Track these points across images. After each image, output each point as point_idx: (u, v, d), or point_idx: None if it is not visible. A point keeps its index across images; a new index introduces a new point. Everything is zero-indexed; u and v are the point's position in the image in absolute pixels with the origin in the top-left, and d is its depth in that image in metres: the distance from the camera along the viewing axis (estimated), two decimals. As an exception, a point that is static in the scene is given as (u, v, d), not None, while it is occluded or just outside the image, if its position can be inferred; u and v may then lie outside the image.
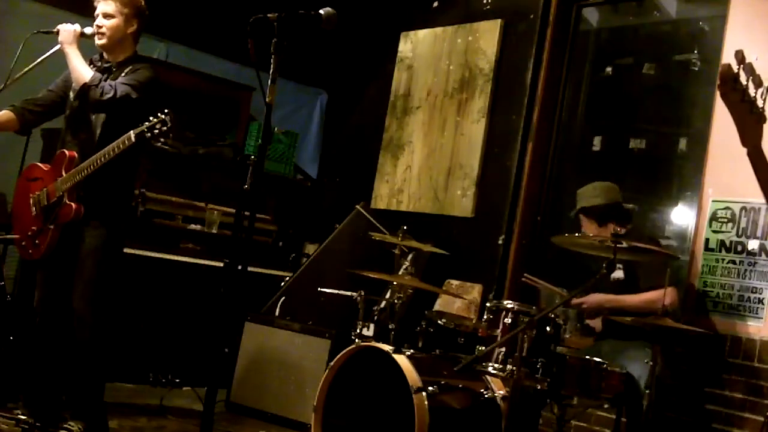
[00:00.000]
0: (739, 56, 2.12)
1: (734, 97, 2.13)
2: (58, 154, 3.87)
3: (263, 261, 5.37)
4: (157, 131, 3.59)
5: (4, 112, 3.91)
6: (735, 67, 2.11)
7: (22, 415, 3.80)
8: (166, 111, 3.63)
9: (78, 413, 3.78)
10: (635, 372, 3.45)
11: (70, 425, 3.73)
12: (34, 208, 3.87)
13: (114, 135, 3.65)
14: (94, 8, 3.84)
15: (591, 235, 3.82)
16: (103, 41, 3.85)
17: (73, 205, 3.74)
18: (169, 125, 3.59)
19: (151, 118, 3.60)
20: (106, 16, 3.81)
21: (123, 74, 3.78)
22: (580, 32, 5.18)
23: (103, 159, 3.68)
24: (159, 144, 3.67)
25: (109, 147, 3.66)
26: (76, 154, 3.79)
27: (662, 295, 3.53)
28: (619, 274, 3.88)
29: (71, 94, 3.89)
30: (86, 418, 3.78)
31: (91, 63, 3.93)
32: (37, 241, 3.82)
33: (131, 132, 3.61)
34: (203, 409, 2.86)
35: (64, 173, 3.79)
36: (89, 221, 3.79)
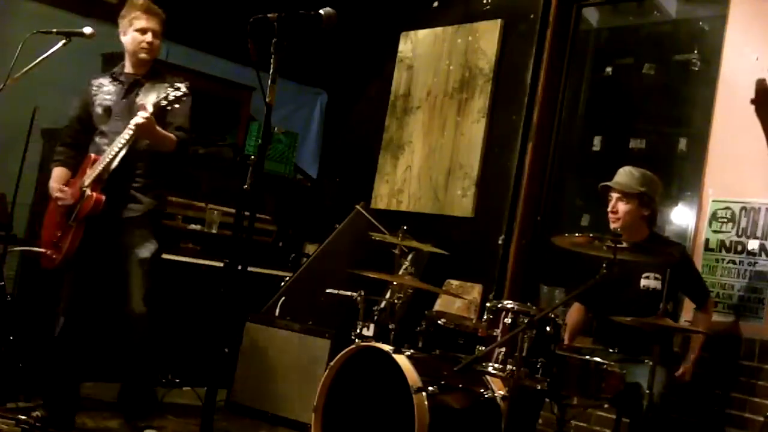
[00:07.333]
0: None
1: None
2: (84, 159, 3.84)
3: (263, 261, 5.37)
4: (172, 97, 3.60)
5: (59, 170, 3.89)
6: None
7: (41, 415, 3.74)
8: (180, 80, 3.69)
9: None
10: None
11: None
12: (59, 216, 3.80)
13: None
14: (126, 13, 3.85)
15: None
16: (149, 57, 3.87)
17: (94, 195, 3.67)
18: (183, 89, 3.61)
19: (166, 87, 3.63)
20: (156, 35, 3.83)
21: (152, 85, 3.76)
22: (580, 32, 5.19)
23: (121, 143, 3.65)
24: (177, 107, 3.69)
25: (125, 132, 3.64)
26: (99, 156, 3.76)
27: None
28: (652, 283, 3.68)
29: (99, 111, 3.86)
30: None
31: (112, 77, 3.91)
32: (59, 244, 3.75)
33: (146, 103, 3.60)
34: (203, 409, 2.86)
35: (87, 172, 3.76)
36: (128, 221, 3.77)
